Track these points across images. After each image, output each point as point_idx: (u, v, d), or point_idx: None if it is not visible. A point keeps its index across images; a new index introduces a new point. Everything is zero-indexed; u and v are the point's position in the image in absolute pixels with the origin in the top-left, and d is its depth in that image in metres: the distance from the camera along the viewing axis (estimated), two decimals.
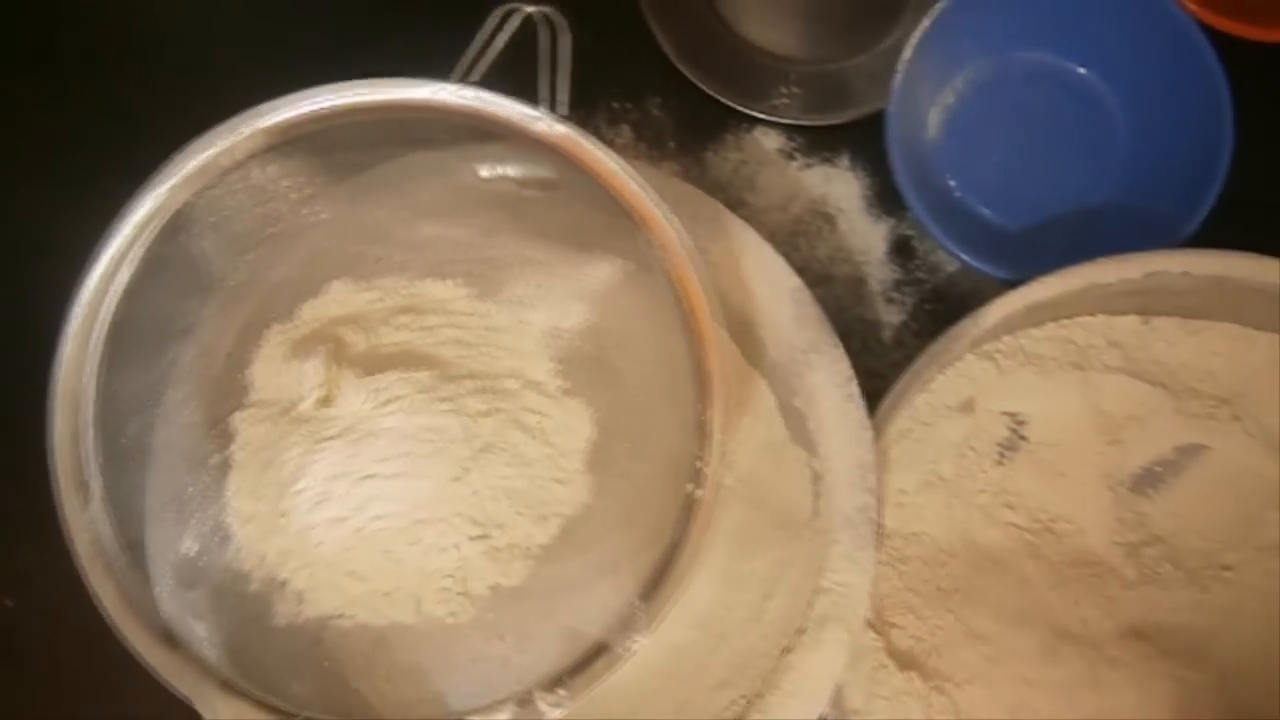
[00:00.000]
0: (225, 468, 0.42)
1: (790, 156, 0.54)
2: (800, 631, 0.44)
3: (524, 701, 0.37)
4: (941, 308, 0.53)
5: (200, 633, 0.40)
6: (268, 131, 0.40)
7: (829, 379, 0.46)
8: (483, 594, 0.41)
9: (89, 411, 0.40)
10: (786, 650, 0.44)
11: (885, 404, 0.46)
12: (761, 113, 0.53)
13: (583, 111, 0.54)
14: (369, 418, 0.41)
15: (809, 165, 0.54)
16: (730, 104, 0.53)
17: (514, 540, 0.42)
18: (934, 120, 0.54)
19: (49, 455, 0.40)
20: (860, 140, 0.54)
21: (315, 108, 0.40)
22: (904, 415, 0.47)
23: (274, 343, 0.43)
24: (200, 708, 0.39)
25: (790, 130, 0.54)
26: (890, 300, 0.53)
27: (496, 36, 0.42)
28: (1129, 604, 0.47)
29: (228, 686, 0.38)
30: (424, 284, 0.44)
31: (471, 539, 0.41)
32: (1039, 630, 0.46)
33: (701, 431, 0.38)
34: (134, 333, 0.40)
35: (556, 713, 0.37)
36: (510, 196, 0.43)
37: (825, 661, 0.44)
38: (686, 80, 0.53)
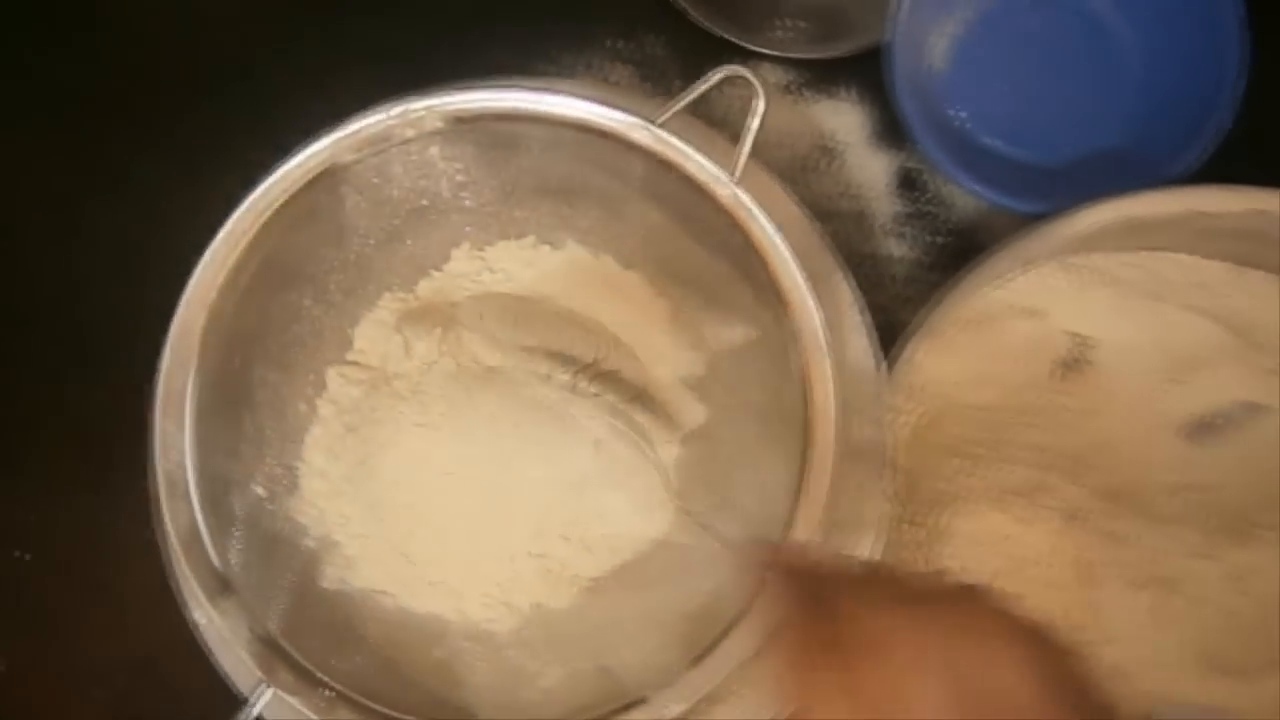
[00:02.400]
0: (309, 418, 0.43)
1: (793, 91, 0.53)
2: None
3: None
4: (950, 241, 0.53)
5: (254, 578, 0.40)
6: (449, 116, 0.40)
7: (837, 310, 0.45)
8: (524, 609, 0.42)
9: (200, 338, 0.40)
10: None
11: (952, 290, 0.45)
12: (763, 47, 0.52)
13: (584, 51, 0.54)
14: (467, 415, 0.41)
15: (812, 100, 0.53)
16: (731, 39, 0.52)
17: (569, 565, 0.42)
18: (939, 50, 0.53)
19: (158, 374, 0.39)
20: (864, 73, 0.53)
21: (511, 105, 0.40)
22: (972, 305, 0.46)
23: (387, 308, 0.44)
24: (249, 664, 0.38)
25: (792, 65, 0.53)
26: (897, 235, 0.53)
27: (700, 90, 0.42)
28: (1155, 536, 0.47)
29: (270, 644, 0.38)
30: (552, 297, 0.45)
31: (529, 555, 0.41)
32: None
33: (788, 525, 0.38)
34: (264, 268, 0.41)
35: None
36: (658, 233, 0.43)
37: None
38: (686, 17, 0.52)
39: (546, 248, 0.44)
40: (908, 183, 0.53)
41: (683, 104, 0.40)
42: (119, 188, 0.53)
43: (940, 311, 0.45)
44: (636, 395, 0.43)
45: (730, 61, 0.52)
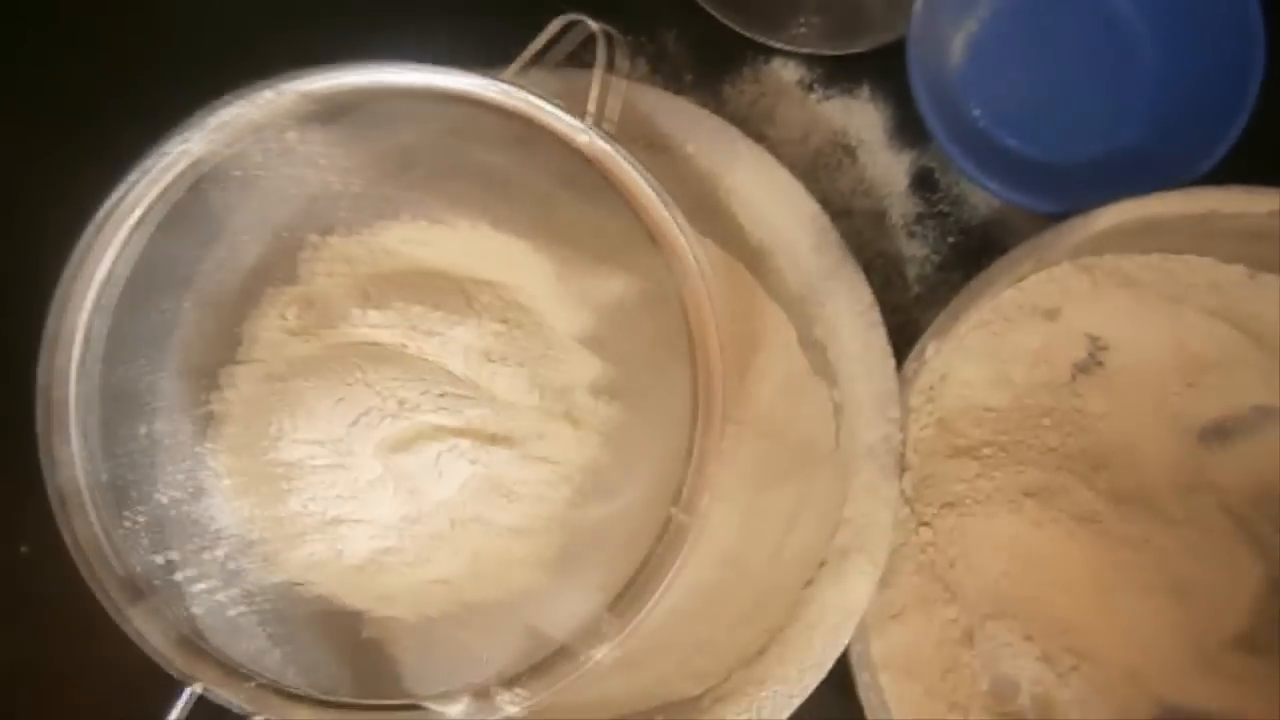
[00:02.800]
0: (209, 420, 0.41)
1: (809, 88, 0.53)
2: (822, 564, 0.44)
3: (480, 694, 0.37)
4: (966, 241, 0.52)
5: (168, 583, 0.39)
6: (308, 98, 0.39)
7: (850, 307, 0.45)
8: (447, 582, 0.41)
9: (78, 350, 0.39)
10: (809, 583, 0.44)
11: (969, 289, 0.44)
12: (780, 43, 0.52)
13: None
14: (365, 396, 0.40)
15: (829, 97, 0.53)
16: (747, 34, 0.52)
17: (488, 535, 0.41)
18: (957, 48, 0.52)
19: (37, 388, 0.39)
20: (881, 70, 0.52)
21: (359, 82, 0.39)
22: (987, 306, 0.46)
23: (271, 302, 0.43)
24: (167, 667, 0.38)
25: (809, 61, 0.53)
26: (913, 234, 0.52)
27: (554, 47, 0.41)
28: (1166, 539, 0.46)
29: (189, 644, 0.38)
30: (434, 269, 0.43)
31: (447, 528, 0.41)
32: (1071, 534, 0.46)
33: (692, 458, 0.38)
34: (135, 276, 0.39)
35: (512, 709, 0.37)
36: (541, 198, 0.42)
37: (847, 593, 0.43)
38: (702, 11, 0.52)
39: (425, 223, 0.43)
40: (924, 181, 0.53)
41: (528, 56, 0.40)
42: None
43: (955, 311, 0.45)
44: (536, 358, 0.43)
45: (749, 59, 0.53)
